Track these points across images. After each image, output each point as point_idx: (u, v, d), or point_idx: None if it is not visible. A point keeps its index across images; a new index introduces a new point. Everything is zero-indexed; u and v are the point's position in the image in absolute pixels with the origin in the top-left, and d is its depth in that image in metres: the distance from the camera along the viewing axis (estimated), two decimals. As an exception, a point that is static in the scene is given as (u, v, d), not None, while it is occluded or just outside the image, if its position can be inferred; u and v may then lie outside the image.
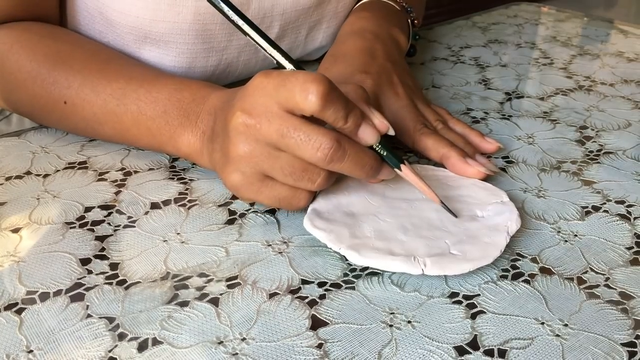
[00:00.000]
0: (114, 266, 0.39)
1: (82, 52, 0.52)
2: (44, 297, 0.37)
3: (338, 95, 0.38)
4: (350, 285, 0.38)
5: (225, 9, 0.43)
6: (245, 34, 0.43)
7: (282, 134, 0.38)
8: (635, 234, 0.43)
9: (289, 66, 0.42)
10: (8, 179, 0.48)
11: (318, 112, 0.38)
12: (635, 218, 0.45)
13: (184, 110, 0.47)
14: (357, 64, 0.53)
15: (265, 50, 0.43)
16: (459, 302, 0.37)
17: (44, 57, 0.51)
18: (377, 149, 0.42)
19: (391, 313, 0.36)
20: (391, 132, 0.42)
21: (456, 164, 0.47)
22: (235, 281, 0.38)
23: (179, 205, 0.45)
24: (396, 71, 0.54)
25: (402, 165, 0.42)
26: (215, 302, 0.36)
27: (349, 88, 0.41)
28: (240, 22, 0.43)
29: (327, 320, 0.35)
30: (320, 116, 0.38)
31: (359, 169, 0.40)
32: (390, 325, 0.35)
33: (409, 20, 0.65)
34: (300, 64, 0.44)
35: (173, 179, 0.48)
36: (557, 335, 0.35)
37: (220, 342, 0.34)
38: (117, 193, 0.46)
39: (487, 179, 0.47)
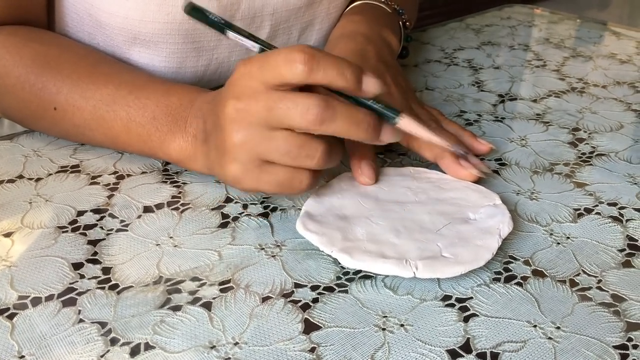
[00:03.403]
0: (106, 270, 0.39)
1: (69, 55, 0.52)
2: (36, 302, 0.36)
3: (324, 56, 0.37)
4: (343, 288, 0.38)
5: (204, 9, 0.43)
6: (216, 27, 0.43)
7: (269, 107, 0.38)
8: (627, 236, 0.44)
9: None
10: (0, 182, 0.48)
11: (307, 78, 0.37)
12: (627, 220, 0.45)
13: (172, 116, 0.47)
14: None
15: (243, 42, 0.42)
16: (452, 305, 0.37)
17: (32, 61, 0.51)
18: (371, 103, 0.40)
19: (384, 316, 0.36)
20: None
21: (450, 165, 0.47)
22: (228, 285, 0.38)
23: (171, 209, 0.45)
24: (389, 72, 0.54)
25: (401, 115, 0.41)
26: (207, 306, 0.36)
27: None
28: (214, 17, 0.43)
29: (320, 324, 0.35)
30: (312, 81, 0.37)
31: (354, 128, 0.39)
32: (383, 329, 0.35)
33: (401, 22, 0.65)
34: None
35: (166, 182, 0.48)
36: (550, 338, 0.35)
37: (213, 347, 0.34)
38: (109, 197, 0.46)
39: (479, 181, 0.47)
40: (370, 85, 0.39)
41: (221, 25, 0.43)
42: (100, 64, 0.52)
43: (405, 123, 0.41)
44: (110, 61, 0.53)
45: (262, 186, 0.41)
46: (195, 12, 0.43)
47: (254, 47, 0.42)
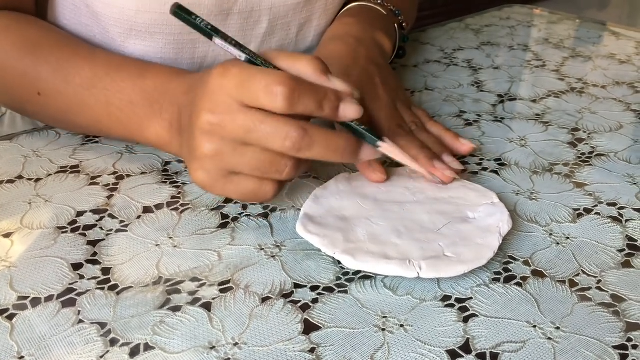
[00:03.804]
0: (105, 271, 0.39)
1: (48, 39, 0.52)
2: (36, 302, 0.36)
3: (305, 89, 0.38)
4: (343, 289, 0.38)
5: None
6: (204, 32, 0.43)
7: (248, 129, 0.38)
8: (626, 236, 0.44)
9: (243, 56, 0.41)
10: (-1, 183, 0.48)
11: (287, 110, 0.37)
12: (626, 220, 0.45)
13: (148, 100, 0.47)
14: (339, 67, 0.53)
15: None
16: (452, 306, 0.37)
17: (11, 47, 0.51)
18: (354, 125, 0.41)
19: (384, 317, 0.36)
20: (356, 95, 0.41)
21: (424, 167, 0.47)
22: (228, 285, 0.38)
23: (171, 209, 0.45)
24: (379, 73, 0.54)
25: (380, 142, 0.42)
26: (207, 306, 0.36)
27: (302, 63, 0.40)
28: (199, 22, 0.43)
29: (319, 325, 0.35)
30: (291, 112, 0.38)
31: (331, 153, 0.40)
32: (383, 329, 0.35)
33: (397, 24, 0.65)
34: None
35: (165, 182, 0.48)
36: (549, 339, 0.35)
37: (213, 347, 0.34)
38: (109, 197, 0.46)
39: (478, 180, 0.47)
40: (348, 112, 0.40)
41: (208, 31, 0.42)
42: (79, 48, 0.52)
43: (386, 148, 0.42)
44: (88, 45, 0.53)
45: (228, 194, 0.42)
46: (181, 13, 0.43)
47: (240, 56, 0.42)
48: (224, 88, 0.38)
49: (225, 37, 0.42)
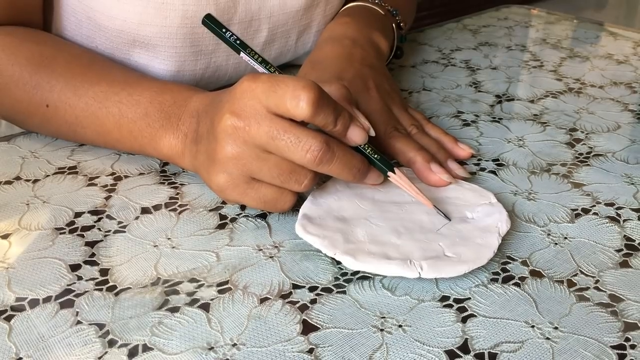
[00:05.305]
0: (104, 272, 0.39)
1: (64, 55, 0.52)
2: (34, 303, 0.36)
3: (328, 101, 0.39)
4: (342, 289, 0.38)
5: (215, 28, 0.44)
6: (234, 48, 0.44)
7: (272, 136, 0.38)
8: (624, 236, 0.44)
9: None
10: (-3, 184, 0.48)
11: (309, 119, 0.38)
12: (624, 220, 0.45)
13: (165, 113, 0.47)
14: (334, 70, 0.53)
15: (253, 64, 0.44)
16: (450, 306, 0.37)
17: (26, 60, 0.51)
18: (368, 153, 0.43)
19: (382, 317, 0.36)
20: (372, 133, 0.43)
21: (420, 169, 0.47)
22: (226, 286, 0.38)
23: (169, 210, 0.45)
24: (373, 76, 0.54)
25: (391, 173, 0.43)
26: (206, 307, 0.36)
27: (332, 88, 0.42)
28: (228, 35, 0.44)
29: (318, 325, 0.35)
30: (311, 122, 0.39)
31: (346, 171, 0.41)
32: (381, 330, 0.35)
33: (395, 24, 0.65)
34: (288, 68, 0.44)
35: (164, 183, 0.48)
36: (547, 339, 0.35)
37: (211, 348, 0.34)
38: (107, 198, 0.46)
39: (476, 181, 0.47)
40: (356, 134, 0.41)
41: (236, 45, 0.44)
42: (94, 64, 0.52)
43: (396, 179, 0.44)
44: (104, 61, 0.53)
45: (246, 201, 0.42)
46: (211, 24, 0.44)
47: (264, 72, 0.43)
48: (252, 91, 0.39)
49: (253, 54, 0.44)
